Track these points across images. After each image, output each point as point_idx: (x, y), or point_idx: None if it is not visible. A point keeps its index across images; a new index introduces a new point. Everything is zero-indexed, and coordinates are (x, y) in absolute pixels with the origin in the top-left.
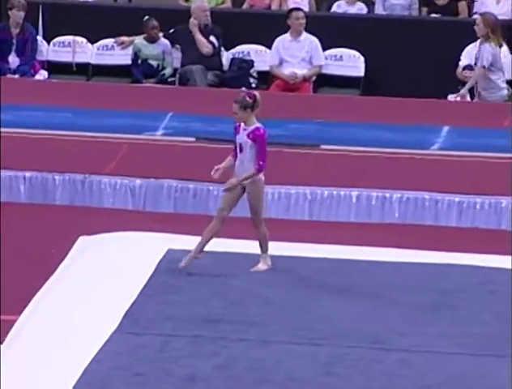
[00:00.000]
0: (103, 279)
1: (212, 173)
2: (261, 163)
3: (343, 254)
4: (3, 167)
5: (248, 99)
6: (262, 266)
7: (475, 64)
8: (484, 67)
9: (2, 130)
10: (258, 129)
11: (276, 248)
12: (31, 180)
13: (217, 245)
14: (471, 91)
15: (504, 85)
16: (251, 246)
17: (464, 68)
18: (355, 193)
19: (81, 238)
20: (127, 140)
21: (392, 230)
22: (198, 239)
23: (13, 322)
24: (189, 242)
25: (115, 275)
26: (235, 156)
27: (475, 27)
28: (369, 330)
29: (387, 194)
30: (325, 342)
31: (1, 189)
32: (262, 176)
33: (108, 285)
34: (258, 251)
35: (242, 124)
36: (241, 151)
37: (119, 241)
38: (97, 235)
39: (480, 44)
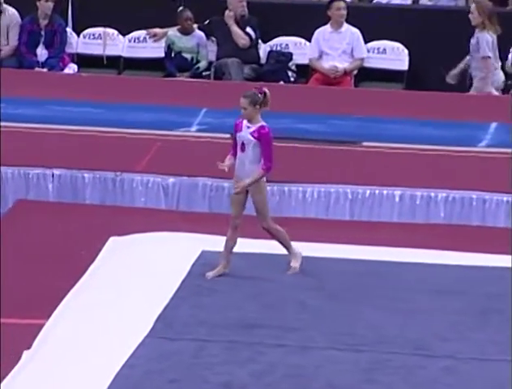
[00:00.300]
0: (134, 281)
1: (220, 166)
2: (269, 163)
3: (385, 256)
4: (31, 165)
5: (258, 94)
6: (294, 264)
7: (470, 55)
8: (489, 57)
9: (29, 125)
10: (263, 127)
11: (315, 249)
12: (59, 178)
13: (251, 246)
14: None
15: (500, 76)
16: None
17: None
18: (398, 192)
19: (112, 239)
20: (160, 137)
21: (437, 231)
22: None
23: (41, 327)
24: (224, 243)
25: (147, 278)
26: (234, 155)
27: (470, 16)
28: (413, 335)
29: (432, 194)
30: (366, 348)
31: (29, 187)
32: None
33: (140, 288)
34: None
35: (245, 121)
36: (242, 150)
37: (151, 241)
38: (129, 236)
39: (477, 33)
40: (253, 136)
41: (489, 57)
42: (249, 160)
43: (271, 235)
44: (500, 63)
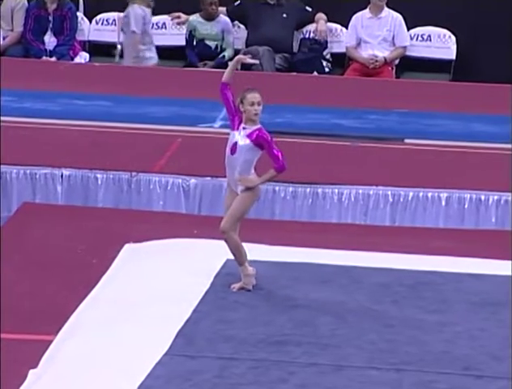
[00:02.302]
0: (151, 293)
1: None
2: (280, 163)
3: (429, 266)
4: (38, 164)
5: None
6: (236, 284)
7: (122, 30)
8: (134, 32)
9: (35, 121)
10: (260, 130)
11: (351, 257)
12: (69, 178)
13: (281, 254)
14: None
15: (152, 54)
16: (319, 255)
17: None
18: (444, 194)
19: (127, 246)
20: (180, 133)
21: (488, 237)
22: (261, 247)
23: (49, 343)
24: (251, 251)
25: (165, 289)
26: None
27: None
28: (461, 353)
29: (482, 196)
30: (409, 367)
31: (36, 189)
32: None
33: (158, 300)
34: (330, 261)
35: (242, 122)
36: (232, 152)
37: (170, 249)
38: (145, 243)
39: (128, 7)
40: (249, 138)
41: (134, 32)
42: (240, 164)
43: (226, 242)
44: (151, 41)
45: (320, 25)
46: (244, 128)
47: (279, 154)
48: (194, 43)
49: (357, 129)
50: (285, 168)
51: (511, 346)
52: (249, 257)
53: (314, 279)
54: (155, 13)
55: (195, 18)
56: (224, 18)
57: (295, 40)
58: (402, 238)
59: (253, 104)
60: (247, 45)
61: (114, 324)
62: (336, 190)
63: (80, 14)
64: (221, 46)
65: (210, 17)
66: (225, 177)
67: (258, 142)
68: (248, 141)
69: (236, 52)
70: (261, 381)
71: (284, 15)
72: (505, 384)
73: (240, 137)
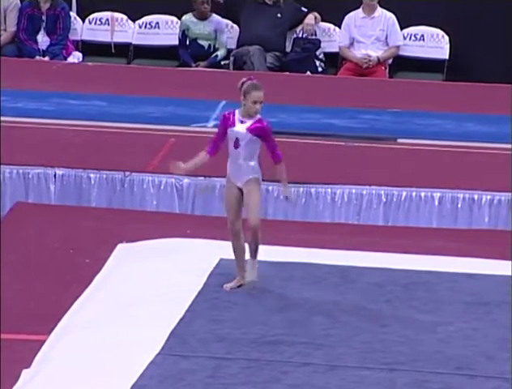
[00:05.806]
0: (145, 293)
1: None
2: (280, 154)
3: (426, 265)
4: (31, 164)
5: None
6: (230, 284)
7: None
8: None
9: (28, 120)
10: (260, 121)
11: (344, 257)
12: (62, 178)
13: (275, 254)
14: None
15: None
16: (312, 255)
17: None
18: (437, 194)
19: (120, 246)
20: (174, 133)
21: (482, 237)
22: None
23: (42, 343)
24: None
25: (159, 289)
26: (212, 153)
27: None
28: (456, 353)
29: (475, 196)
30: (401, 367)
31: (29, 188)
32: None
33: (151, 300)
34: (324, 261)
35: (237, 114)
36: (236, 146)
37: (163, 249)
38: (138, 242)
39: None
40: (251, 132)
41: None
42: (244, 158)
43: (254, 235)
44: None
45: (308, 19)
46: (242, 121)
47: (276, 146)
48: (187, 42)
49: (350, 128)
50: (281, 158)
51: (511, 348)
52: None
53: (307, 278)
54: (148, 12)
55: (188, 17)
56: (216, 17)
57: (288, 39)
58: (395, 238)
59: (255, 103)
60: (239, 44)
61: (107, 324)
62: (329, 190)
63: (73, 14)
64: (214, 46)
65: (202, 16)
66: (219, 176)
67: (257, 133)
68: (249, 134)
69: (229, 51)
70: (254, 381)
71: (279, 15)
72: (498, 384)
73: (240, 132)
